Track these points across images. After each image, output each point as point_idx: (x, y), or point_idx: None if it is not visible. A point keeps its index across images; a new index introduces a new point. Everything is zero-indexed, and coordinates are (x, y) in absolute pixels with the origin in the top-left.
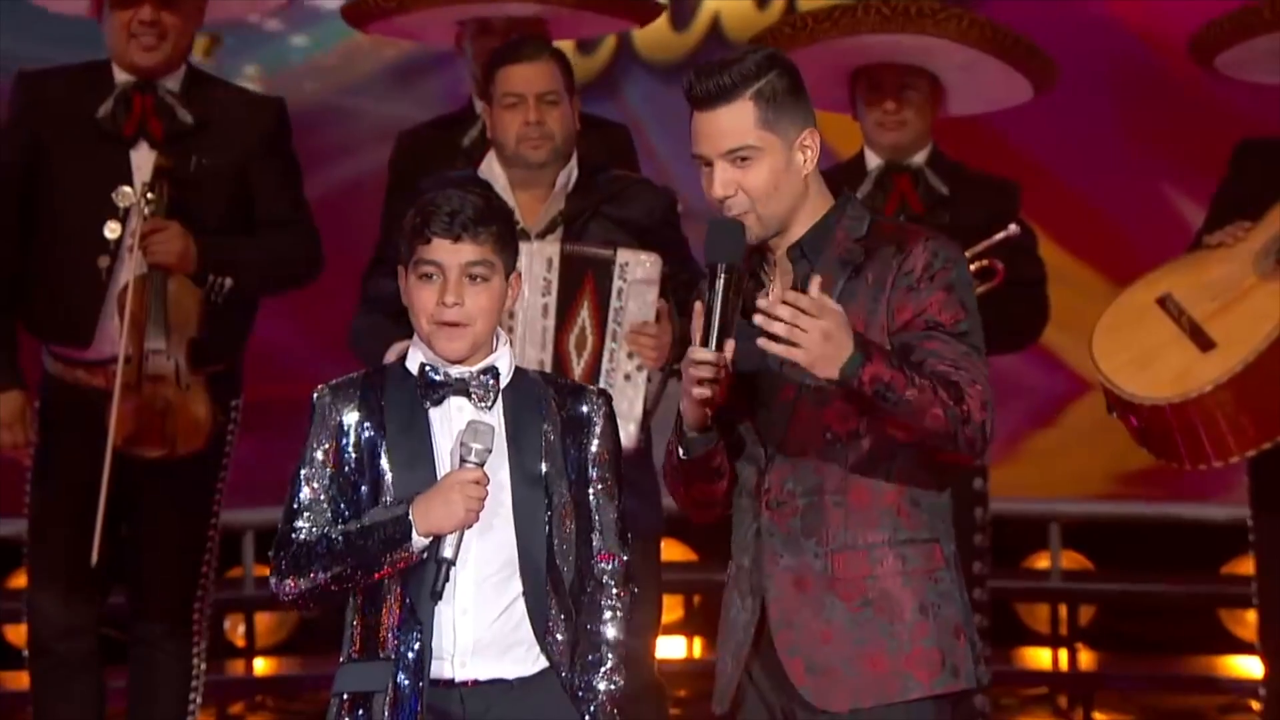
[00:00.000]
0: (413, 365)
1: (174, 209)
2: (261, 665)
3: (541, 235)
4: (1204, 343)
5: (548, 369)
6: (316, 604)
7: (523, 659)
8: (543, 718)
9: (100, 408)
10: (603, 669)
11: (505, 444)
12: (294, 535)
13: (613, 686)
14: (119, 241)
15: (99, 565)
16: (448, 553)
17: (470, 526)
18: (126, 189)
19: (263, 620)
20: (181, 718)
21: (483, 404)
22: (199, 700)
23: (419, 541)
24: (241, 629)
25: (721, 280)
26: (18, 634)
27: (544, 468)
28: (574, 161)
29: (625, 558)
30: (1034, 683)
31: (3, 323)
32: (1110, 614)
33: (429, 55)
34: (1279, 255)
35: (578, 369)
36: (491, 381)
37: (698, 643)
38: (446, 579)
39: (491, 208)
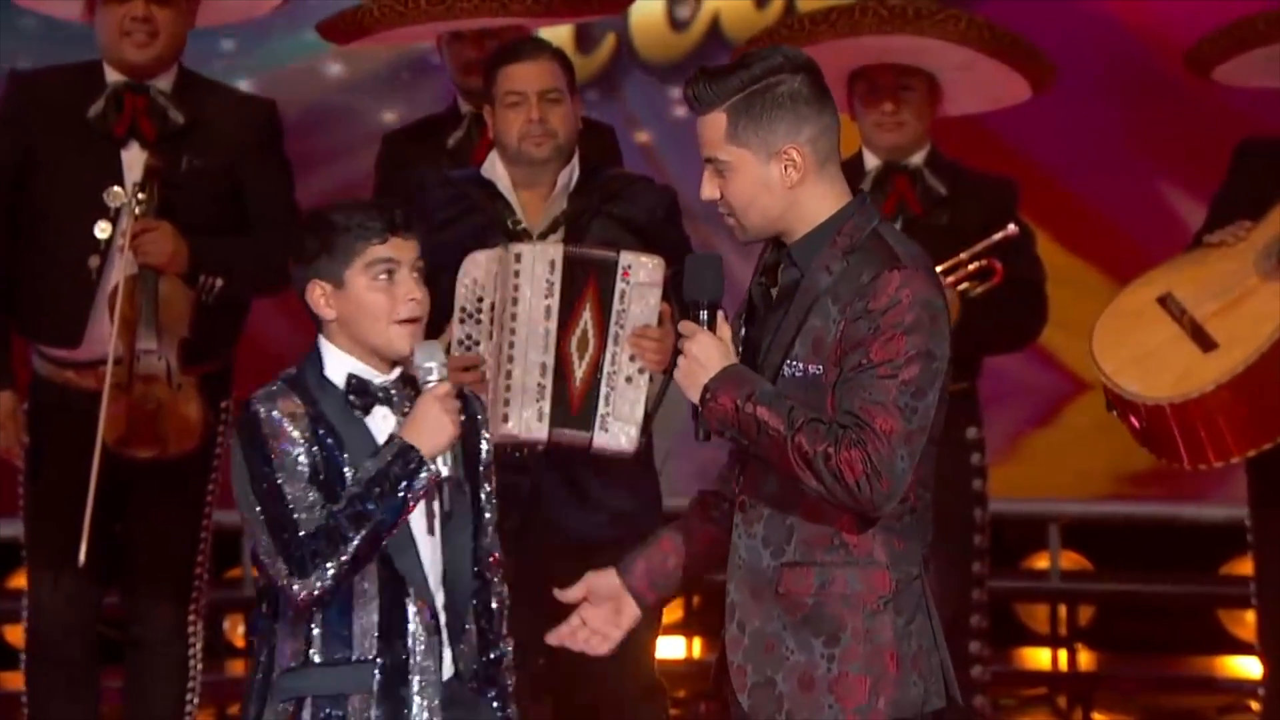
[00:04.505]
0: (337, 375)
1: (165, 209)
2: None
3: (544, 235)
4: (1205, 343)
5: (550, 371)
6: (339, 589)
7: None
8: (473, 711)
9: (91, 409)
10: (504, 665)
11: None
12: (300, 533)
13: (512, 681)
14: (109, 241)
15: (94, 565)
16: (446, 469)
17: (457, 440)
18: (117, 189)
19: None
20: (179, 718)
21: (404, 413)
22: (196, 700)
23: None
24: (241, 629)
25: (703, 317)
26: (16, 634)
27: (462, 472)
28: (575, 160)
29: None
30: (1034, 683)
31: None
32: (1110, 614)
33: (427, 54)
34: None
35: (579, 371)
36: (410, 391)
37: (697, 643)
38: (453, 496)
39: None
